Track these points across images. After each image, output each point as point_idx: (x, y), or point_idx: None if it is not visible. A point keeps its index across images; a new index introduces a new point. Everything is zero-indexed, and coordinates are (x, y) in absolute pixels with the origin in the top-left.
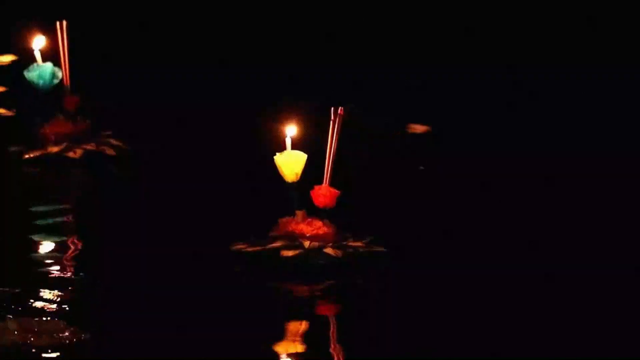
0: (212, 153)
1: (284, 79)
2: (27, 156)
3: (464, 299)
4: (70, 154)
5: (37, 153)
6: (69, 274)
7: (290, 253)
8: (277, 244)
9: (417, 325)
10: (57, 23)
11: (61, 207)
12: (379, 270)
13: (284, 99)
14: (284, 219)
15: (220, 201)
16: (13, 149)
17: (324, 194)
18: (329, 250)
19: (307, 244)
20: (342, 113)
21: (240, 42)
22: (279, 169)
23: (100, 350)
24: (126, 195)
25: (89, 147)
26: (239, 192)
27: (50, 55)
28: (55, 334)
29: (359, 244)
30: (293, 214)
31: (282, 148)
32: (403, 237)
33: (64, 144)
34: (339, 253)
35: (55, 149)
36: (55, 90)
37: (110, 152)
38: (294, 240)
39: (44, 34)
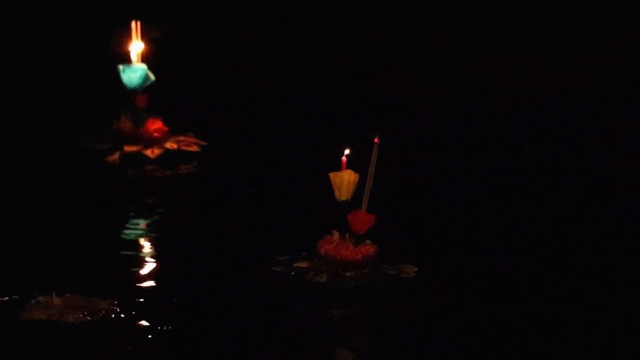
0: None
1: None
2: (150, 155)
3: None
4: (186, 148)
5: (159, 151)
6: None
7: (279, 269)
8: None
9: None
10: (132, 23)
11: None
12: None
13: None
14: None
15: (287, 214)
16: (100, 147)
17: (353, 218)
18: (312, 274)
19: (298, 263)
20: (377, 141)
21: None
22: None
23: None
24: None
25: (196, 141)
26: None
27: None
28: (97, 312)
29: (350, 273)
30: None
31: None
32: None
33: (174, 139)
34: (322, 278)
35: (174, 146)
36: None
37: (203, 143)
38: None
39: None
